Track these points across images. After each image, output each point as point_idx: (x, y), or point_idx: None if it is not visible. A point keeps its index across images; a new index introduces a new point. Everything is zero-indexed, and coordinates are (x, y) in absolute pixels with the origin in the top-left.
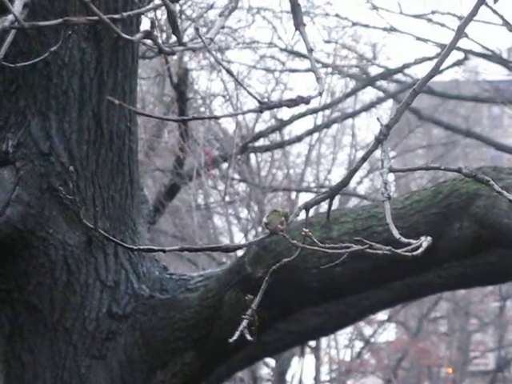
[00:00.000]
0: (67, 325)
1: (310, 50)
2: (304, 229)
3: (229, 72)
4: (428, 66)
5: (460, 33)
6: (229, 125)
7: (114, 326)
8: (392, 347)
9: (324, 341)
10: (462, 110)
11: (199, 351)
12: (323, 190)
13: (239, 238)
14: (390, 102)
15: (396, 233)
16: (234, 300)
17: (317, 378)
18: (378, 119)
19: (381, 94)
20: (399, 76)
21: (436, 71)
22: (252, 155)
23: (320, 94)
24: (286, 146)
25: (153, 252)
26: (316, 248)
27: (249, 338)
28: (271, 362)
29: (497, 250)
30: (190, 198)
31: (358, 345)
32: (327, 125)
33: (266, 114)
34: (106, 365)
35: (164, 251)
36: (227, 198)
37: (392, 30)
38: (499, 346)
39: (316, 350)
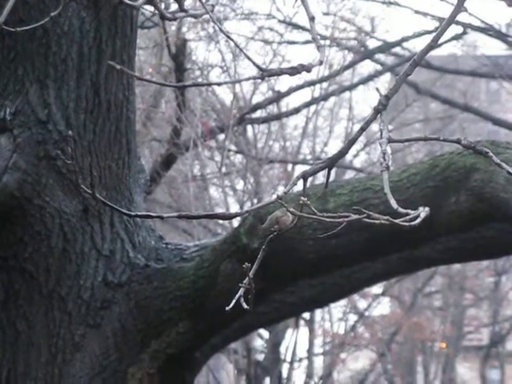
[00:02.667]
0: (62, 293)
1: (312, 18)
2: (302, 198)
3: (229, 38)
4: (426, 40)
5: (459, 7)
6: (226, 96)
7: (109, 295)
8: (386, 321)
9: (318, 313)
10: (459, 84)
11: (194, 321)
12: (320, 161)
13: (235, 210)
14: (388, 75)
15: (394, 203)
16: (230, 270)
17: (310, 351)
18: (377, 89)
19: (379, 67)
20: (397, 49)
21: (436, 42)
22: (249, 127)
23: (321, 62)
24: (283, 117)
25: (150, 218)
26: (314, 217)
27: (245, 306)
28: (265, 333)
29: (493, 224)
30: (187, 168)
31: (352, 318)
32: (324, 97)
33: (264, 86)
34: (100, 333)
35: (162, 218)
36: (223, 169)
37: (391, 3)
38: (493, 321)
39: (310, 323)
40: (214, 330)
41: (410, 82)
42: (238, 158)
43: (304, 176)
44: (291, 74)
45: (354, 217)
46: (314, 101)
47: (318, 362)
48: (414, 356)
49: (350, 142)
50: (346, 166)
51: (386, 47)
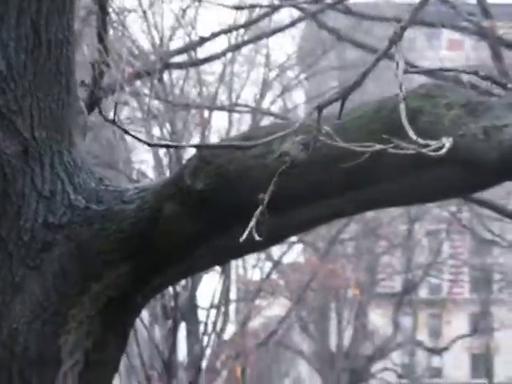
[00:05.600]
0: (3, 234)
1: None
2: (324, 127)
3: None
4: None
5: None
6: (144, 41)
7: (50, 237)
8: (301, 268)
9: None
10: (377, 31)
11: (135, 263)
12: (238, 108)
13: (149, 156)
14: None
15: (412, 134)
16: (172, 212)
17: (226, 297)
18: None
19: (296, 13)
20: None
21: None
22: (165, 73)
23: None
24: (200, 64)
25: (168, 147)
26: (341, 145)
27: (257, 238)
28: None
29: (437, 168)
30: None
31: (267, 265)
32: (242, 44)
33: (181, 32)
34: (40, 275)
35: (177, 147)
36: (139, 115)
37: None
38: (406, 268)
39: (225, 269)
40: (155, 272)
41: (329, 27)
42: (155, 104)
43: (319, 107)
44: None
45: (380, 146)
46: (232, 48)
47: (233, 309)
48: (328, 303)
49: (365, 73)
50: (265, 111)
51: None
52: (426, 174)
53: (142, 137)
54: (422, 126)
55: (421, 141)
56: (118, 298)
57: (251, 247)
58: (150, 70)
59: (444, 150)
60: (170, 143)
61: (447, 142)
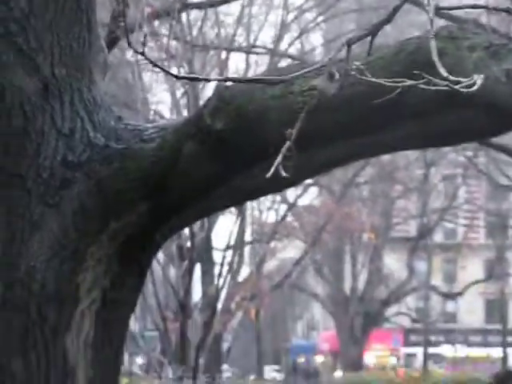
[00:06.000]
0: (22, 171)
1: None
2: (355, 62)
3: None
4: None
5: None
6: None
7: (69, 174)
8: (316, 211)
9: (248, 202)
10: None
11: (154, 202)
12: (255, 50)
13: (166, 97)
14: None
15: (443, 70)
16: (192, 151)
17: (241, 239)
18: None
19: None
20: None
21: None
22: (183, 14)
23: None
24: (218, 5)
25: (197, 81)
26: (374, 80)
27: (284, 174)
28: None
29: (457, 111)
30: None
31: (282, 208)
32: None
33: None
34: (59, 213)
35: (208, 80)
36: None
37: None
38: (422, 213)
39: (240, 212)
40: (173, 212)
41: None
42: (173, 44)
43: (349, 43)
44: None
45: (412, 82)
46: None
47: (248, 251)
48: (343, 246)
49: (395, 10)
50: (282, 53)
51: None
52: (449, 116)
53: (161, 76)
54: (445, 67)
55: (451, 78)
56: (137, 236)
57: (271, 188)
58: (168, 9)
59: (475, 88)
60: (198, 76)
61: (479, 79)
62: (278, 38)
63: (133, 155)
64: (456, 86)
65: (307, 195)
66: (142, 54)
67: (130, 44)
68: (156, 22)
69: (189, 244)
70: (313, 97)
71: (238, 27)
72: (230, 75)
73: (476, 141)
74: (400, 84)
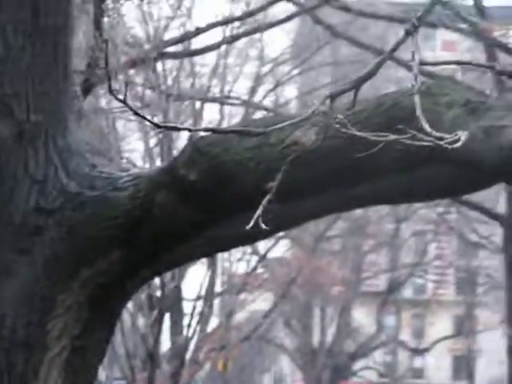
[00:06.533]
0: None
1: None
2: (338, 115)
3: None
4: None
5: None
6: (139, 30)
7: (41, 221)
8: (287, 264)
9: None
10: (374, 29)
11: (126, 251)
12: (230, 101)
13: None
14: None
15: (426, 126)
16: (165, 201)
17: (211, 290)
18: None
19: (290, 7)
20: None
21: None
22: (159, 63)
23: None
24: (195, 55)
25: (177, 130)
26: (356, 133)
27: (263, 226)
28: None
29: (434, 166)
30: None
31: (253, 259)
32: (236, 37)
33: (176, 23)
34: (31, 259)
35: (190, 130)
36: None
37: None
38: (392, 267)
39: (212, 262)
40: (146, 261)
41: (325, 23)
42: (148, 93)
43: (331, 96)
44: None
45: (395, 136)
46: (227, 40)
47: (218, 302)
48: (312, 299)
49: (378, 64)
50: (257, 105)
51: None
52: (425, 172)
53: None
54: (419, 124)
55: (435, 133)
56: (108, 284)
57: (246, 239)
58: (144, 58)
59: (460, 143)
60: (179, 126)
61: (463, 136)
62: (253, 90)
63: (106, 203)
64: (440, 142)
65: (278, 247)
66: (124, 101)
67: (111, 91)
68: (131, 71)
69: (159, 294)
70: (294, 149)
71: (213, 78)
72: (205, 125)
73: (451, 197)
74: (383, 139)
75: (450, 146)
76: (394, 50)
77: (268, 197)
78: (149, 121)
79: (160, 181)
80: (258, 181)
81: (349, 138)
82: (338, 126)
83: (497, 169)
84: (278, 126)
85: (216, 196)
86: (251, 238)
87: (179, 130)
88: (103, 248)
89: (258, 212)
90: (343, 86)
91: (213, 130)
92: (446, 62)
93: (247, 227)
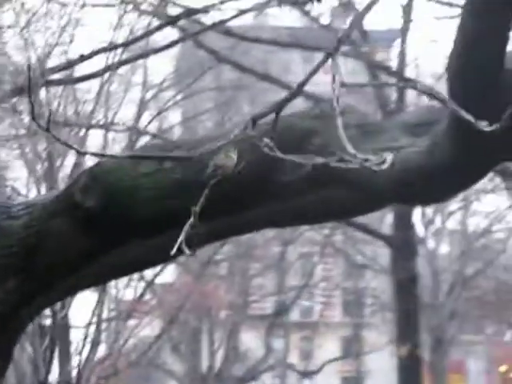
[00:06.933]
0: None
1: None
2: (265, 139)
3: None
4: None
5: None
6: (19, 57)
7: None
8: (174, 289)
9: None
10: (255, 52)
11: (22, 279)
12: (114, 127)
13: (24, 174)
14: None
15: (350, 148)
16: (62, 228)
17: (99, 316)
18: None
19: (172, 32)
20: (200, 16)
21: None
22: (41, 90)
23: None
24: (79, 82)
25: (99, 156)
26: (282, 157)
27: (187, 252)
28: None
29: (330, 189)
30: None
31: (140, 285)
32: (120, 64)
33: (58, 50)
34: None
35: (112, 156)
36: (14, 132)
37: None
38: (279, 291)
39: (102, 288)
40: (42, 288)
41: (208, 48)
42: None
43: (254, 119)
44: None
45: (322, 160)
46: (110, 67)
47: (107, 329)
48: (200, 324)
49: (300, 86)
50: (142, 130)
51: (188, 14)
52: (322, 193)
53: (16, 153)
54: (317, 145)
55: (359, 156)
56: (4, 314)
57: (144, 265)
58: (32, 85)
59: (387, 165)
60: (102, 152)
61: (389, 157)
62: (137, 116)
63: (0, 232)
64: (367, 164)
65: (165, 273)
66: (48, 130)
67: (34, 118)
68: (15, 99)
69: (49, 321)
70: (218, 173)
71: (96, 104)
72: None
73: (341, 220)
74: (310, 161)
75: (377, 169)
76: (315, 71)
77: (191, 220)
78: (74, 148)
79: (55, 208)
80: (152, 206)
81: (263, 159)
82: (265, 148)
83: (389, 191)
84: (205, 149)
85: (113, 222)
86: (146, 264)
87: (103, 156)
88: None
89: (181, 237)
90: (264, 109)
91: (140, 157)
92: (364, 84)
93: (171, 252)
